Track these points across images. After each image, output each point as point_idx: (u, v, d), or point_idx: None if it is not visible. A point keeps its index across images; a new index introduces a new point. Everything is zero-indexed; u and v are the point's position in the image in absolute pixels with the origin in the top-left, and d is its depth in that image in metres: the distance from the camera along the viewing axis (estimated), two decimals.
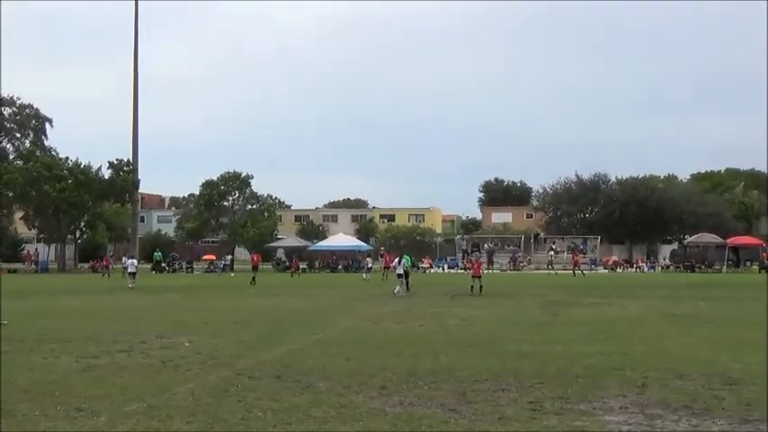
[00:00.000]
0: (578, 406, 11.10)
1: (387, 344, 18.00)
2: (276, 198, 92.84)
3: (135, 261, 48.71)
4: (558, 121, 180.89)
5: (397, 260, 39.94)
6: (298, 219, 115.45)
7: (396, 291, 36.42)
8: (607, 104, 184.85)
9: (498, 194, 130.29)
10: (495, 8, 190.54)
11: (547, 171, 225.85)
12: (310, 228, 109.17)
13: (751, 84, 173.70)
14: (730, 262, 76.71)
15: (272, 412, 10.67)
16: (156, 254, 78.71)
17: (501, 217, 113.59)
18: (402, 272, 38.01)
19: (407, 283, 38.32)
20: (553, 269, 69.32)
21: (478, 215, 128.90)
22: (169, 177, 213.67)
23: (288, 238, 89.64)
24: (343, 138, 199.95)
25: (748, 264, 77.43)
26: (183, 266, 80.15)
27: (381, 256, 70.41)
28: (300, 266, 68.86)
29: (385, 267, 56.49)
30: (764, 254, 74.29)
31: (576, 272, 62.00)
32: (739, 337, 18.93)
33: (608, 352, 16.36)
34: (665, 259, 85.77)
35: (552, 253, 77.47)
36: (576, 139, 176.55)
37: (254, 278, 49.50)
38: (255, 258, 55.65)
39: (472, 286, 36.33)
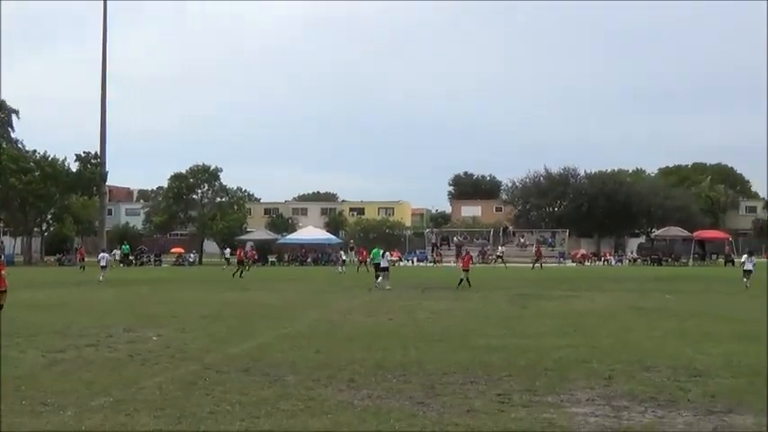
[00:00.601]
0: (546, 398, 11.18)
1: (356, 337, 18.01)
2: (246, 191, 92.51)
3: (107, 254, 48.98)
4: (539, 119, 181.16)
5: (381, 253, 40.07)
6: (267, 212, 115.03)
7: (379, 284, 36.63)
8: (592, 102, 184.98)
9: (468, 188, 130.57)
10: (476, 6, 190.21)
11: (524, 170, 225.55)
12: (280, 221, 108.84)
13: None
14: (697, 255, 77.44)
15: (240, 406, 10.65)
16: (123, 247, 78.31)
17: (470, 210, 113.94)
18: (386, 265, 38.19)
19: (378, 276, 38.58)
20: (503, 264, 68.56)
21: (448, 209, 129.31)
22: (141, 171, 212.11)
23: (257, 231, 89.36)
24: (315, 132, 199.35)
25: (714, 257, 78.19)
26: (152, 259, 79.79)
27: (352, 249, 70.59)
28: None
29: (361, 261, 56.64)
30: (729, 247, 75.03)
31: (534, 265, 62.04)
32: (705, 330, 19.12)
33: (576, 345, 16.47)
34: (632, 252, 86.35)
35: (502, 248, 77.58)
36: (551, 137, 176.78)
37: (239, 271, 49.55)
38: (240, 252, 55.49)
39: (468, 280, 36.49)
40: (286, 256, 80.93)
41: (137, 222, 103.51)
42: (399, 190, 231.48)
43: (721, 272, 55.72)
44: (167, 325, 20.66)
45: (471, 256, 42.58)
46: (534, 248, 72.16)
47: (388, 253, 39.90)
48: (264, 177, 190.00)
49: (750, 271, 36.99)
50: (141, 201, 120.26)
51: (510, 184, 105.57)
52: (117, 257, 67.03)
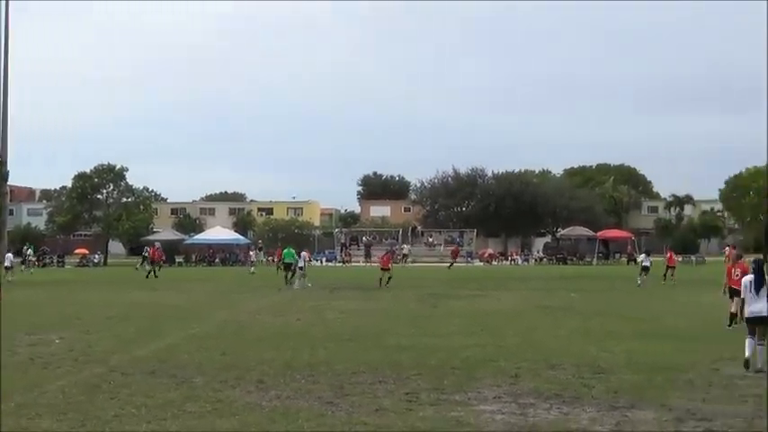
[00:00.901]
0: (454, 396, 11.29)
1: (265, 338, 17.94)
2: (152, 191, 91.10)
3: (11, 255, 48.35)
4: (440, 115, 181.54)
5: (293, 253, 40.15)
6: (174, 212, 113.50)
7: (296, 284, 36.75)
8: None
9: (377, 188, 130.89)
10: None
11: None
12: (187, 221, 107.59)
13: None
14: (600, 254, 79.06)
15: (145, 408, 10.50)
16: (28, 247, 76.33)
17: (379, 210, 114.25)
18: (302, 264, 38.18)
19: (287, 277, 38.61)
20: (405, 263, 69.07)
21: (357, 208, 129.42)
22: (43, 171, 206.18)
23: (164, 232, 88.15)
24: (225, 131, 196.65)
25: (617, 256, 79.95)
26: (54, 261, 78.04)
27: (260, 249, 70.27)
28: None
29: (278, 261, 56.58)
30: (631, 246, 76.78)
31: (452, 264, 62.69)
32: (608, 329, 19.53)
33: (483, 344, 16.67)
34: (538, 252, 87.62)
35: (407, 247, 78.24)
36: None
37: (152, 271, 48.85)
38: (152, 252, 54.62)
39: (381, 279, 36.78)
40: (193, 257, 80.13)
41: (39, 223, 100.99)
42: (309, 190, 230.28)
43: (624, 270, 56.86)
44: (71, 327, 20.26)
45: (390, 256, 42.83)
46: (452, 249, 73.19)
47: (304, 253, 39.94)
48: (172, 177, 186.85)
49: (648, 268, 38.55)
50: (44, 201, 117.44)
51: (418, 185, 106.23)
52: (31, 257, 65.23)
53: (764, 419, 10.01)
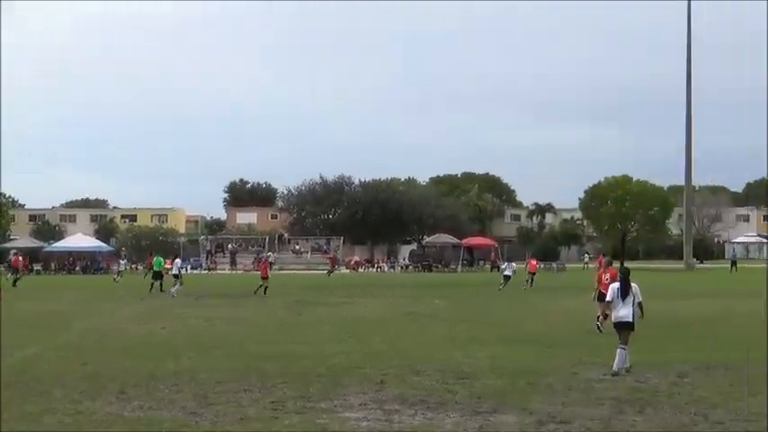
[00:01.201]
0: (319, 404, 11.30)
1: (127, 347, 17.57)
2: (9, 197, 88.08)
3: None
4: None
5: (162, 261, 39.60)
6: (32, 218, 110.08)
7: (172, 290, 36.23)
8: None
9: (243, 195, 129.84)
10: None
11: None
12: (46, 228, 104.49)
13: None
14: (465, 261, 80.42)
15: None
16: None
17: (246, 217, 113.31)
18: (177, 272, 37.80)
19: (161, 285, 37.94)
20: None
21: (223, 215, 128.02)
22: None
23: (21, 239, 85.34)
24: (85, 135, 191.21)
25: (482, 263, 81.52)
26: None
27: (124, 256, 68.85)
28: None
29: (147, 268, 55.54)
30: (495, 254, 78.37)
31: (331, 272, 63.10)
32: (472, 335, 19.89)
33: (350, 351, 16.74)
34: (404, 259, 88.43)
35: (273, 255, 78.69)
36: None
37: (15, 280, 47.13)
38: (15, 260, 52.61)
39: (260, 286, 36.54)
40: (53, 265, 77.83)
41: None
42: (173, 196, 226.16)
43: (488, 277, 57.95)
44: None
45: (268, 264, 42.79)
46: (329, 257, 73.71)
47: (178, 260, 39.50)
48: (31, 182, 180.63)
49: (509, 276, 40.09)
50: None
51: (286, 192, 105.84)
52: None
53: (622, 421, 10.38)
